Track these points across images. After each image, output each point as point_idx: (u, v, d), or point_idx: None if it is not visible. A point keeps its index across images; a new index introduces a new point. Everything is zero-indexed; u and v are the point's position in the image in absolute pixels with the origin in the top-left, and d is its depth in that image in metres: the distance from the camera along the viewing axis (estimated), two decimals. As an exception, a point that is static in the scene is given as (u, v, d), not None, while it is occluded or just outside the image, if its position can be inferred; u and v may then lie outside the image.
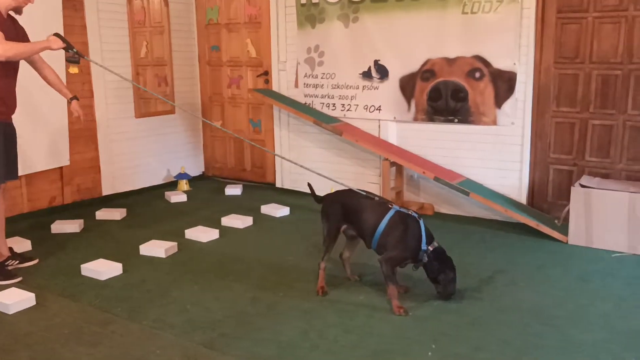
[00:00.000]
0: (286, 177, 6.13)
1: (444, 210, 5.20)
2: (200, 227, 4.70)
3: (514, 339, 2.95)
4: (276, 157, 6.14)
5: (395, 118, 5.32)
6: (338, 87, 5.59)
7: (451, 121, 5.03)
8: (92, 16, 5.43)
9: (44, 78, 3.88)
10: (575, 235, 4.26)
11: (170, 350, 2.85)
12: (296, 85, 5.87)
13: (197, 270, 3.90)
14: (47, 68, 3.88)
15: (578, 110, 4.66)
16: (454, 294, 3.35)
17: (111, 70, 4.27)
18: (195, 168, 6.66)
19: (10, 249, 3.93)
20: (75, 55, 3.70)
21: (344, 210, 3.43)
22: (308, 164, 5.80)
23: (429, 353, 2.81)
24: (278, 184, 6.21)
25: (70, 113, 3.93)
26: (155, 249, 4.19)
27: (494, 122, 4.86)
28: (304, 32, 5.69)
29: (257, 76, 6.18)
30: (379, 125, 5.42)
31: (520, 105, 4.75)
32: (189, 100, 6.55)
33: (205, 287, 3.63)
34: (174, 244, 4.29)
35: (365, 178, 5.51)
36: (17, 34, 3.65)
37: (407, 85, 5.20)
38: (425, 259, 3.24)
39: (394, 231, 3.22)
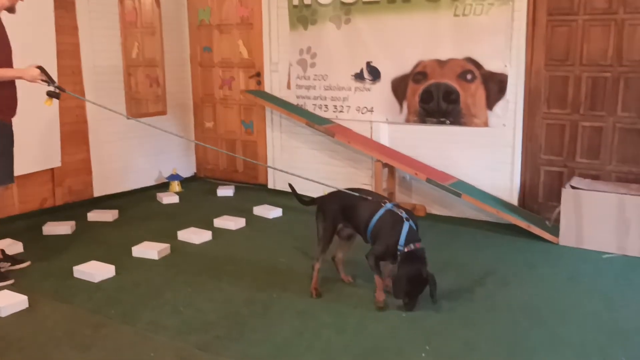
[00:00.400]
0: (278, 179, 6.13)
1: (436, 211, 5.22)
2: (192, 229, 4.70)
3: (505, 338, 2.98)
4: (269, 158, 6.14)
5: (387, 119, 5.34)
6: (330, 88, 5.60)
7: (443, 123, 5.06)
8: (83, 16, 5.41)
9: None
10: (566, 236, 4.30)
11: (164, 352, 2.85)
12: (288, 87, 5.88)
13: (190, 272, 3.90)
14: None
15: (568, 112, 4.70)
16: (399, 298, 3.25)
17: (76, 95, 4.18)
18: (187, 169, 6.65)
19: (2, 251, 3.91)
20: (57, 89, 3.65)
21: (341, 209, 3.49)
22: (300, 165, 5.84)
23: (423, 354, 2.83)
24: (270, 185, 6.21)
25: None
26: (148, 250, 4.18)
27: (486, 124, 4.89)
28: (296, 33, 5.70)
29: (249, 77, 6.19)
30: (371, 127, 5.44)
31: (511, 107, 4.78)
32: (181, 101, 6.54)
33: (199, 288, 3.63)
34: (167, 245, 4.29)
35: (357, 179, 5.53)
36: (4, 38, 3.62)
37: (399, 87, 5.23)
38: (398, 258, 3.25)
39: (381, 228, 3.31)
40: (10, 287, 3.57)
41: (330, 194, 3.66)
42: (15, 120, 3.75)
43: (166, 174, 6.29)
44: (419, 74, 5.10)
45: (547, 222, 4.53)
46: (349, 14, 5.35)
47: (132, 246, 4.26)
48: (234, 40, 6.22)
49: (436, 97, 5.03)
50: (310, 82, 5.71)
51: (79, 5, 5.37)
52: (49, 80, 3.63)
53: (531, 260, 4.09)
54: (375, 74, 5.33)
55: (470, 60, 4.86)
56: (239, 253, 4.28)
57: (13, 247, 4.21)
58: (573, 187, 4.29)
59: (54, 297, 3.50)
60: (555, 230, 4.39)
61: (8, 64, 3.62)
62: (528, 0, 4.61)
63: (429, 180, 4.78)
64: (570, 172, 4.73)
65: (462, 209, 5.05)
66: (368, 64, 5.35)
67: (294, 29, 5.71)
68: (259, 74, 6.11)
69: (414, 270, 3.16)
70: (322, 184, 3.93)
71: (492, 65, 4.78)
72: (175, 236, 4.58)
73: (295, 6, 5.65)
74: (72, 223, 4.83)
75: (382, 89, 5.31)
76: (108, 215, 5.10)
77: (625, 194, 4.11)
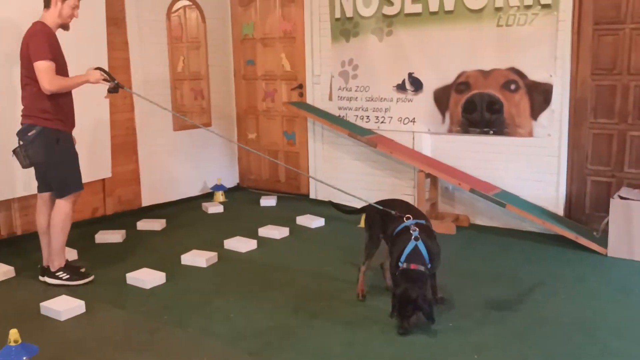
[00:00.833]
0: (320, 189, 6.20)
1: (480, 222, 5.20)
2: (238, 238, 4.79)
3: (556, 351, 2.95)
4: (310, 168, 6.22)
5: (429, 130, 5.36)
6: (372, 99, 5.66)
7: (486, 133, 5.05)
8: (133, 32, 5.60)
9: None
10: (615, 247, 4.24)
11: (217, 357, 2.93)
12: (330, 98, 5.96)
13: (238, 280, 3.99)
14: None
15: (616, 121, 4.64)
16: (391, 317, 3.18)
17: (140, 95, 4.39)
18: (231, 180, 6.78)
19: (67, 260, 4.06)
20: (117, 86, 3.90)
21: (381, 218, 3.57)
22: (342, 175, 5.91)
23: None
24: (312, 196, 6.28)
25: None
26: (197, 258, 4.29)
27: (530, 134, 4.86)
28: (338, 45, 5.78)
29: (292, 89, 6.29)
30: (413, 137, 5.46)
31: (556, 117, 4.75)
32: (225, 113, 6.69)
33: (247, 296, 3.70)
34: (214, 253, 4.39)
35: (399, 190, 5.55)
36: (61, 53, 3.81)
37: (442, 98, 5.24)
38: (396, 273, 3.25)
39: (394, 243, 3.37)
40: (67, 292, 3.71)
41: (377, 203, 3.72)
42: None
43: (211, 184, 6.42)
44: (461, 84, 5.11)
45: (595, 233, 4.46)
46: (391, 26, 5.40)
47: (180, 254, 4.38)
48: (277, 53, 6.35)
49: (479, 107, 5.04)
50: (352, 93, 5.78)
51: (129, 22, 5.56)
52: (110, 78, 3.87)
53: (579, 272, 4.04)
54: (417, 84, 5.36)
55: (514, 70, 4.85)
56: (285, 262, 4.35)
57: (68, 254, 4.34)
58: (622, 198, 4.23)
59: (109, 302, 3.63)
60: (603, 241, 4.33)
61: (66, 76, 3.82)
62: (573, 10, 4.59)
63: (472, 191, 4.77)
64: (618, 182, 4.66)
65: (506, 219, 5.02)
66: (410, 75, 5.39)
67: (336, 42, 5.79)
68: (301, 86, 6.21)
69: (401, 290, 3.10)
70: (356, 197, 3.95)
71: (536, 75, 4.76)
72: (222, 245, 4.68)
73: (337, 19, 5.74)
74: (123, 232, 4.99)
75: (424, 100, 5.34)
76: (156, 224, 5.25)
77: (676, 204, 4.03)
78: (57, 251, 3.90)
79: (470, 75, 5.06)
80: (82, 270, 4.02)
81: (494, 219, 5.12)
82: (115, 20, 5.42)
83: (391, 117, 5.57)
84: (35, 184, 4.01)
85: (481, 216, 5.19)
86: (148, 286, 3.86)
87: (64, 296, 3.60)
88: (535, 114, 4.82)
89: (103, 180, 5.47)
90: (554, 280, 3.88)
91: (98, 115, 5.23)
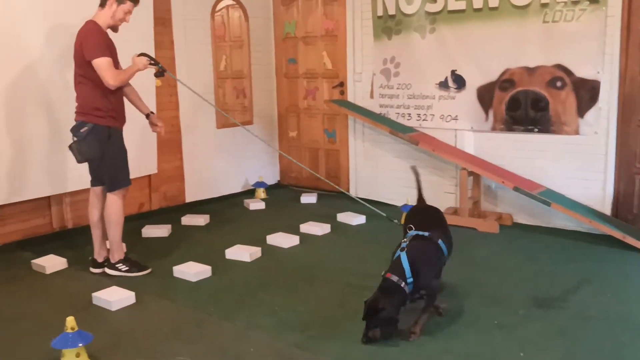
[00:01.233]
0: (360, 186, 6.22)
1: (523, 220, 5.14)
2: (280, 234, 4.85)
3: (602, 348, 2.92)
4: (351, 166, 6.26)
5: (472, 128, 5.32)
6: (414, 97, 5.65)
7: (531, 131, 4.99)
8: (178, 32, 5.73)
9: (126, 95, 4.12)
10: (665, 248, 4.14)
11: (264, 349, 2.99)
12: (371, 96, 5.97)
13: (282, 275, 4.05)
14: (129, 86, 4.13)
15: (666, 119, 4.53)
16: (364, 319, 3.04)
17: (183, 83, 4.53)
18: (272, 177, 6.87)
19: (125, 253, 4.19)
20: (160, 70, 4.01)
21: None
22: (383, 173, 5.93)
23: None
24: (352, 193, 6.30)
25: (152, 126, 4.22)
26: (241, 253, 4.37)
27: (576, 132, 4.78)
28: (380, 43, 5.79)
29: (333, 87, 6.33)
30: (456, 135, 5.43)
31: (604, 114, 4.66)
32: (266, 112, 6.77)
33: (291, 290, 3.76)
34: (258, 249, 4.46)
35: (441, 188, 5.53)
36: (114, 51, 3.93)
37: (485, 95, 5.20)
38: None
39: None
40: (117, 283, 3.83)
41: (416, 206, 3.76)
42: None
43: (252, 181, 6.52)
44: (506, 81, 5.06)
45: (643, 233, 4.37)
46: (434, 23, 5.39)
47: (224, 249, 4.46)
48: (319, 51, 6.39)
49: (524, 104, 4.98)
50: (394, 91, 5.78)
51: (175, 21, 5.69)
52: (155, 62, 3.99)
53: (627, 271, 3.97)
54: (460, 82, 5.33)
55: (560, 67, 4.77)
56: (327, 258, 4.39)
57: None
58: (673, 197, 4.13)
59: (157, 294, 3.73)
60: (652, 241, 4.23)
61: None
62: (622, 5, 4.49)
63: (516, 189, 4.72)
64: (668, 182, 4.55)
65: (551, 218, 4.95)
66: (453, 72, 5.36)
67: (378, 40, 5.80)
68: (342, 84, 6.24)
69: (371, 298, 3.01)
70: (372, 207, 3.96)
71: (583, 72, 4.68)
72: (264, 240, 4.75)
73: (379, 17, 5.75)
74: (169, 226, 5.11)
75: (467, 97, 5.30)
76: (200, 220, 5.36)
77: None
78: (115, 244, 4.04)
79: (515, 72, 5.00)
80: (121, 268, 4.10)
81: (537, 217, 5.05)
82: (162, 20, 5.56)
83: (433, 115, 5.55)
84: (86, 178, 4.15)
85: (524, 215, 5.13)
86: (194, 279, 3.96)
87: (114, 287, 3.72)
88: (581, 111, 4.74)
89: (149, 176, 5.62)
90: (600, 279, 3.82)
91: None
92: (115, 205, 3.98)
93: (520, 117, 5.02)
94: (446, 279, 3.77)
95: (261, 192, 6.35)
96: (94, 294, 3.62)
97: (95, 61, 3.69)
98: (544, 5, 4.77)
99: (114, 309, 3.51)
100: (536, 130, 4.96)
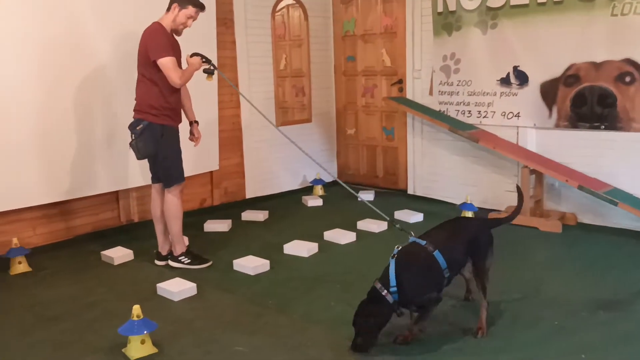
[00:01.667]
0: (418, 184, 6.18)
1: (588, 220, 4.97)
2: (337, 230, 4.89)
3: (674, 357, 2.80)
4: (409, 164, 6.22)
5: (535, 125, 5.19)
6: (474, 94, 5.56)
7: (597, 128, 4.82)
8: (240, 32, 5.86)
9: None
10: None
11: (321, 343, 3.03)
12: (430, 93, 5.92)
13: (338, 270, 4.08)
14: (185, 89, 4.25)
15: None
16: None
17: (228, 80, 4.66)
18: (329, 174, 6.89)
19: (187, 247, 4.34)
20: (211, 67, 4.10)
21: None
22: (442, 171, 5.88)
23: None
24: (410, 191, 6.28)
25: (190, 134, 4.33)
26: (298, 248, 4.44)
27: (646, 129, 4.59)
28: (440, 40, 5.73)
29: (392, 85, 6.31)
30: (517, 132, 5.31)
31: (676, 111, 4.45)
32: (325, 110, 6.83)
33: (347, 286, 3.79)
34: (315, 244, 4.52)
35: (501, 186, 5.42)
36: (178, 51, 4.06)
37: (549, 91, 5.06)
38: None
39: None
40: (181, 275, 3.97)
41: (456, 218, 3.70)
42: (180, 128, 4.18)
43: (310, 178, 6.59)
44: (570, 77, 4.91)
45: None
46: (495, 18, 5.28)
47: (282, 244, 4.54)
48: (378, 49, 6.39)
49: (590, 100, 4.81)
50: (454, 87, 5.71)
51: (237, 21, 5.83)
52: (207, 60, 4.09)
53: (701, 275, 3.78)
54: (522, 78, 5.21)
55: (629, 61, 4.59)
56: (384, 255, 4.31)
57: (181, 241, 4.67)
58: None
59: (217, 286, 3.84)
60: None
61: None
62: (698, -5, 4.28)
63: (581, 188, 4.57)
64: None
65: (617, 218, 4.77)
66: (515, 68, 5.24)
67: (438, 36, 5.74)
68: (401, 81, 6.21)
69: (360, 304, 2.93)
70: (374, 209, 3.89)
71: (654, 66, 4.49)
72: (322, 236, 4.80)
73: (439, 13, 5.69)
74: (229, 221, 5.25)
75: (530, 94, 5.17)
76: (259, 215, 5.47)
77: None
78: (176, 238, 4.19)
79: (581, 67, 4.84)
80: (184, 260, 4.23)
81: (603, 218, 4.88)
82: (224, 21, 5.70)
83: (494, 112, 5.44)
84: (147, 175, 4.31)
85: (590, 215, 4.96)
86: (253, 273, 4.05)
87: (177, 278, 3.86)
88: (652, 107, 4.54)
89: (211, 172, 5.78)
90: (671, 284, 3.66)
91: (207, 112, 5.52)
92: (172, 201, 4.12)
93: (585, 114, 4.86)
94: (505, 279, 3.72)
95: (319, 189, 6.41)
96: (158, 285, 3.77)
97: (160, 61, 3.82)
98: (613, -3, 4.60)
99: (176, 299, 3.65)
100: (603, 127, 4.79)
